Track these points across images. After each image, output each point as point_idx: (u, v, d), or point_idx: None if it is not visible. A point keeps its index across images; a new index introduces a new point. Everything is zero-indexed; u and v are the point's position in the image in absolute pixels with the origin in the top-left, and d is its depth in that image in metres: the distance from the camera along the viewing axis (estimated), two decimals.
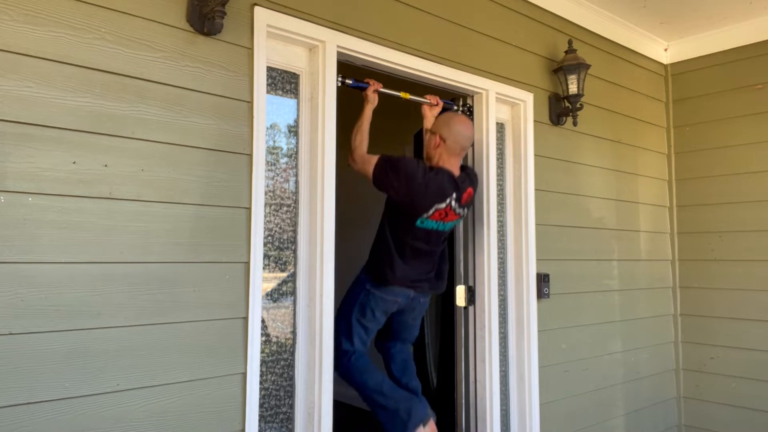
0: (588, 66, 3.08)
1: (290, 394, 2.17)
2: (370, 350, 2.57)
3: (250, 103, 2.02)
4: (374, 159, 2.40)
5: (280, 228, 2.18)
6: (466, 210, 2.55)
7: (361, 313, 2.46)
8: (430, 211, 2.39)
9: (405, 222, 2.42)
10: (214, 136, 1.93)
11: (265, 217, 2.11)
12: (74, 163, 1.66)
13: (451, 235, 2.86)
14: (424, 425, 2.39)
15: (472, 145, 2.87)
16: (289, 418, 2.17)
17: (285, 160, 2.22)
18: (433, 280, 2.57)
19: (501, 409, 2.86)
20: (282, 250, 2.18)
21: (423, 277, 2.51)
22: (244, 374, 1.95)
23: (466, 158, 2.87)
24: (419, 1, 2.58)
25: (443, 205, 2.41)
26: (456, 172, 2.50)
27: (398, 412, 2.39)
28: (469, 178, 2.56)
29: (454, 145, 2.47)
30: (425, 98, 2.72)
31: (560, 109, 3.20)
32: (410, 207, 2.39)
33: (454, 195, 2.44)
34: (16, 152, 1.57)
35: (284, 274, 2.19)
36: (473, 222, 2.87)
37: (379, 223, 2.52)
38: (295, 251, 2.20)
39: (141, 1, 1.80)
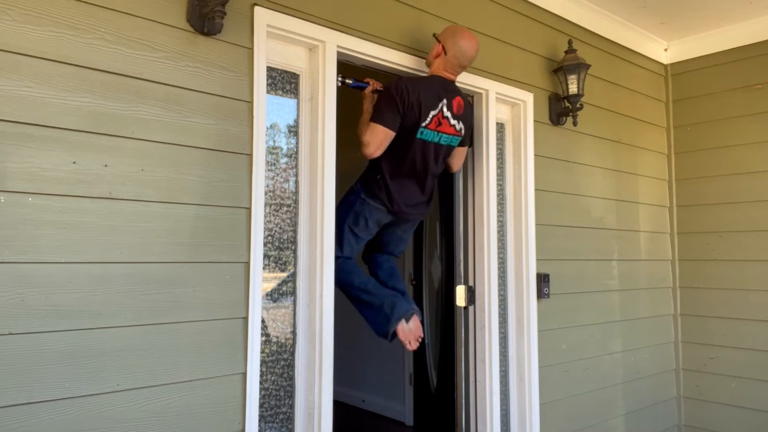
0: (588, 66, 3.08)
1: (290, 394, 2.17)
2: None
3: (250, 103, 2.02)
4: (372, 125, 2.34)
5: (280, 228, 2.18)
6: (461, 124, 2.49)
7: (354, 221, 2.45)
8: (428, 119, 2.36)
9: (406, 135, 2.37)
10: (214, 136, 1.93)
11: (265, 217, 2.11)
12: (74, 163, 1.66)
13: (450, 235, 2.86)
14: (406, 320, 2.41)
15: (472, 145, 2.88)
16: (289, 418, 2.17)
17: (285, 160, 2.22)
18: (422, 208, 2.57)
19: (501, 409, 2.86)
20: (282, 250, 2.18)
21: (413, 203, 2.50)
22: (244, 374, 1.95)
23: (465, 169, 2.89)
24: (419, 1, 2.59)
25: (436, 111, 2.37)
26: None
27: (382, 307, 2.42)
28: (457, 90, 2.50)
29: (453, 60, 2.43)
30: None
31: (560, 109, 3.20)
32: (409, 119, 2.34)
33: (445, 101, 2.40)
34: (16, 152, 1.57)
35: (284, 274, 2.19)
36: (473, 222, 2.87)
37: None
38: (295, 251, 2.20)
39: (141, 1, 1.80)
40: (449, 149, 2.53)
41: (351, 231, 2.46)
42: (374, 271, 2.69)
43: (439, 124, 2.41)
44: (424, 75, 2.52)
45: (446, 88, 2.43)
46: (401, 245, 2.72)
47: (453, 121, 2.45)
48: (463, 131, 2.53)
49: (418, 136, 2.38)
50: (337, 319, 2.23)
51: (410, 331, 2.43)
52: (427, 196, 2.56)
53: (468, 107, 2.56)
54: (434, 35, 2.50)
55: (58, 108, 1.64)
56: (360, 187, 2.49)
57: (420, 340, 2.47)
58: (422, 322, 2.61)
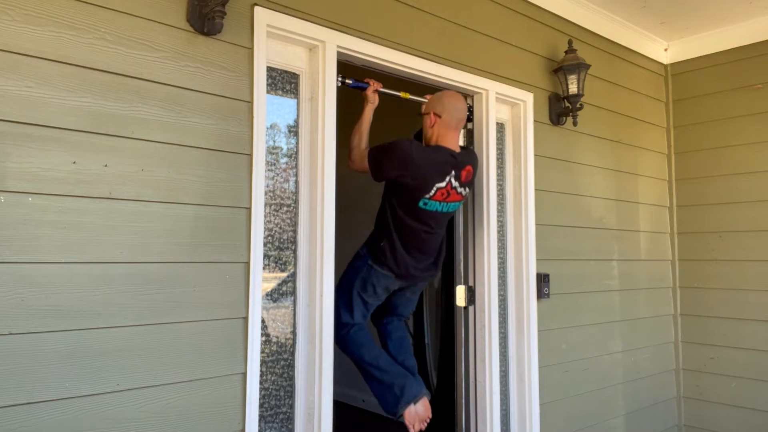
0: (588, 66, 3.08)
1: (290, 394, 2.17)
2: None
3: (250, 103, 2.02)
4: (367, 155, 2.41)
5: (280, 228, 2.18)
6: (467, 190, 2.53)
7: (362, 287, 2.45)
8: (432, 191, 2.36)
9: (407, 203, 2.39)
10: (214, 136, 1.93)
11: (265, 217, 2.11)
12: (74, 163, 1.66)
13: (450, 235, 2.86)
14: (414, 403, 2.40)
15: (473, 145, 2.88)
16: (289, 418, 2.17)
17: (285, 160, 2.22)
18: (432, 269, 2.58)
19: (501, 409, 2.86)
20: (282, 250, 2.18)
21: (422, 266, 2.50)
22: (244, 374, 1.95)
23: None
24: (419, 1, 2.59)
25: (443, 184, 2.38)
26: (455, 148, 2.48)
27: (392, 388, 2.41)
28: (468, 156, 2.54)
29: (450, 119, 2.46)
30: (425, 98, 2.72)
31: (560, 109, 3.20)
32: (411, 188, 2.36)
33: (453, 173, 2.41)
34: (16, 152, 1.57)
35: (284, 274, 2.19)
36: (473, 222, 2.87)
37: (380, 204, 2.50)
38: (295, 251, 2.20)
39: (141, 1, 1.80)
40: (455, 211, 2.57)
41: (360, 297, 2.45)
42: (384, 339, 2.68)
43: (447, 195, 2.43)
44: (433, 146, 2.50)
45: (456, 159, 2.44)
46: (410, 306, 2.72)
47: (460, 189, 2.48)
48: (467, 192, 2.55)
49: (421, 206, 2.39)
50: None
51: (417, 414, 2.41)
52: (433, 257, 2.55)
53: (475, 168, 2.59)
54: (419, 113, 2.54)
55: (58, 108, 1.64)
56: (366, 252, 2.48)
57: (427, 421, 2.45)
58: (422, 326, 2.62)
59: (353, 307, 2.44)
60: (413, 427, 2.41)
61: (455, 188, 2.43)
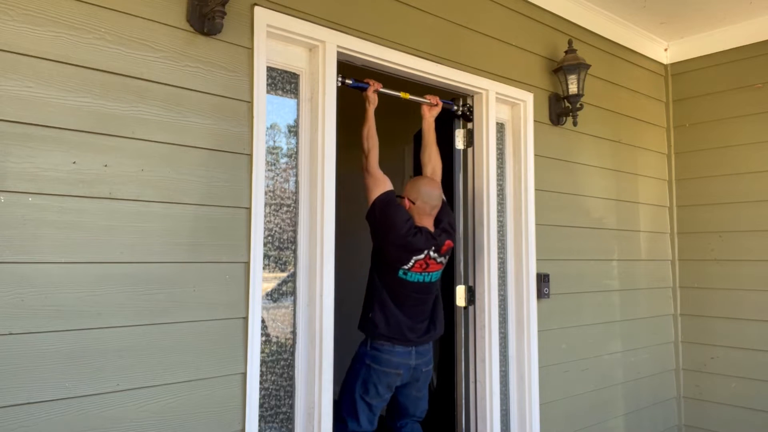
0: (588, 66, 3.08)
1: (290, 394, 2.17)
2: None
3: (250, 103, 2.02)
4: (379, 189, 2.43)
5: (280, 228, 2.18)
6: (446, 258, 2.57)
7: (364, 389, 2.43)
8: (410, 263, 2.42)
9: (388, 272, 2.44)
10: (214, 136, 1.93)
11: (265, 217, 2.11)
12: (74, 163, 1.66)
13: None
14: None
15: (473, 145, 2.88)
16: (289, 418, 2.17)
17: (285, 160, 2.22)
18: (431, 328, 2.55)
19: (501, 409, 2.86)
20: (282, 250, 2.18)
21: (418, 325, 2.49)
22: (244, 374, 1.95)
23: (465, 169, 2.90)
24: (419, 1, 2.58)
25: (422, 256, 2.44)
26: (431, 229, 2.53)
27: None
28: (446, 231, 2.57)
29: (424, 206, 2.52)
30: (425, 98, 2.72)
31: (560, 109, 3.20)
32: (389, 256, 2.42)
33: (433, 247, 2.47)
34: (16, 152, 1.57)
35: (284, 274, 2.19)
36: (473, 222, 2.87)
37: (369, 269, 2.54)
38: (295, 251, 2.20)
39: (141, 1, 1.80)
40: (437, 281, 2.57)
41: (363, 401, 2.44)
42: None
43: (426, 266, 2.47)
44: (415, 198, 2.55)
45: (435, 239, 2.49)
46: (421, 404, 2.63)
47: (440, 259, 2.52)
48: (446, 260, 2.58)
49: (401, 275, 2.43)
50: (337, 319, 2.23)
51: None
52: (428, 317, 2.54)
53: (455, 239, 2.67)
54: (398, 195, 2.57)
55: (58, 108, 1.64)
56: (363, 351, 2.48)
57: None
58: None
59: (358, 414, 2.42)
60: None
61: (434, 259, 2.49)
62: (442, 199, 2.61)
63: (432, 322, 2.55)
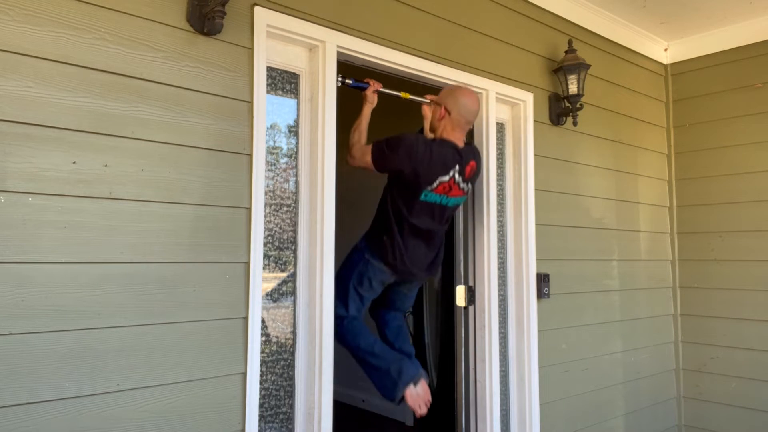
0: (588, 66, 3.08)
1: (290, 394, 2.17)
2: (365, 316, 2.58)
3: (250, 103, 2.02)
4: (369, 147, 2.40)
5: (280, 228, 2.18)
6: (470, 186, 2.53)
7: (358, 281, 2.45)
8: (434, 184, 2.36)
9: (408, 195, 2.38)
10: (214, 136, 1.93)
11: (265, 217, 2.11)
12: (74, 163, 1.66)
13: (450, 235, 2.86)
14: (414, 384, 2.38)
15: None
16: (289, 418, 2.17)
17: (285, 160, 2.22)
18: (431, 269, 2.57)
19: (501, 409, 2.86)
20: (282, 250, 2.18)
21: (420, 265, 2.50)
22: (244, 374, 1.95)
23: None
24: (419, 1, 2.59)
25: (446, 178, 2.38)
26: (460, 144, 2.48)
27: (389, 372, 2.40)
28: (472, 152, 2.54)
29: (459, 118, 2.45)
30: (425, 98, 2.72)
31: (560, 109, 3.20)
32: (413, 181, 2.35)
33: (457, 167, 2.41)
34: (16, 152, 1.57)
35: (284, 274, 2.19)
36: (473, 222, 2.87)
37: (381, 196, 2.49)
38: (295, 251, 2.20)
39: (141, 1, 1.80)
40: (456, 207, 2.56)
41: (356, 291, 2.45)
42: (381, 329, 2.68)
43: (449, 189, 2.41)
44: (432, 136, 2.51)
45: (460, 155, 2.44)
46: (408, 302, 2.71)
47: (463, 185, 2.47)
48: (469, 188, 2.54)
49: (422, 198, 2.38)
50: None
51: (418, 395, 2.39)
52: (433, 254, 2.55)
53: (479, 164, 2.58)
54: (431, 101, 2.53)
55: (58, 108, 1.64)
56: (365, 245, 2.48)
57: (429, 404, 2.42)
58: (422, 326, 2.61)
59: (348, 301, 2.44)
60: (418, 409, 2.38)
61: (458, 183, 2.43)
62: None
63: (433, 262, 2.56)
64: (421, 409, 2.39)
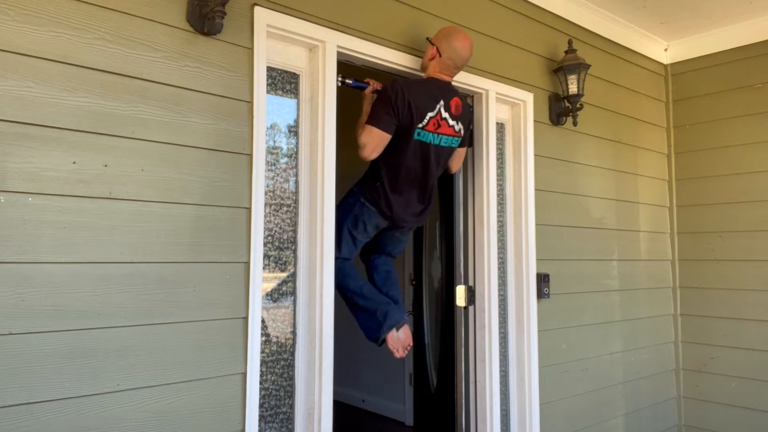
0: (588, 66, 3.08)
1: (290, 394, 2.17)
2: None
3: (250, 103, 2.02)
4: (367, 127, 2.33)
5: (280, 228, 2.18)
6: (460, 125, 2.50)
7: (353, 224, 2.47)
8: (424, 120, 2.36)
9: (403, 137, 2.36)
10: (214, 136, 1.93)
11: (265, 217, 2.11)
12: (74, 163, 1.66)
13: (450, 236, 2.86)
14: (397, 329, 2.46)
15: (473, 145, 2.87)
16: (289, 418, 2.17)
17: (285, 160, 2.22)
18: (422, 216, 2.59)
19: (501, 409, 2.86)
20: (282, 250, 2.18)
21: (412, 211, 2.51)
22: (244, 374, 1.95)
23: (466, 169, 2.89)
24: (419, 1, 2.59)
25: (434, 113, 2.37)
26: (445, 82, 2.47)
27: (375, 313, 2.47)
28: (453, 90, 2.50)
29: (449, 62, 2.44)
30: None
31: (560, 109, 3.20)
32: (405, 121, 2.33)
33: (442, 102, 2.40)
34: (16, 152, 1.57)
35: (284, 274, 2.19)
36: (473, 222, 2.87)
37: None
38: (295, 251, 2.20)
39: (141, 1, 1.80)
40: (450, 151, 2.53)
41: (349, 233, 2.47)
42: (371, 273, 2.70)
43: (438, 125, 2.41)
44: (421, 77, 2.52)
45: (443, 89, 2.43)
46: (399, 246, 2.73)
47: (452, 122, 2.46)
48: (462, 131, 2.53)
49: (415, 137, 2.37)
50: (337, 319, 2.23)
51: (399, 339, 2.47)
52: (426, 203, 2.56)
53: (466, 107, 2.57)
54: (427, 39, 2.50)
55: (58, 108, 1.64)
56: (359, 190, 2.49)
57: (408, 348, 2.51)
58: (422, 326, 2.62)
59: (341, 242, 2.45)
60: (397, 351, 2.47)
61: (446, 119, 2.42)
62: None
63: (425, 209, 2.58)
64: (399, 353, 2.48)
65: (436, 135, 2.42)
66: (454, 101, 2.46)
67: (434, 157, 2.45)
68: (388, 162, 2.40)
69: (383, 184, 2.42)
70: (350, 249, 2.50)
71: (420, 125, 2.36)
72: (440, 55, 2.43)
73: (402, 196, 2.45)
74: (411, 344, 2.52)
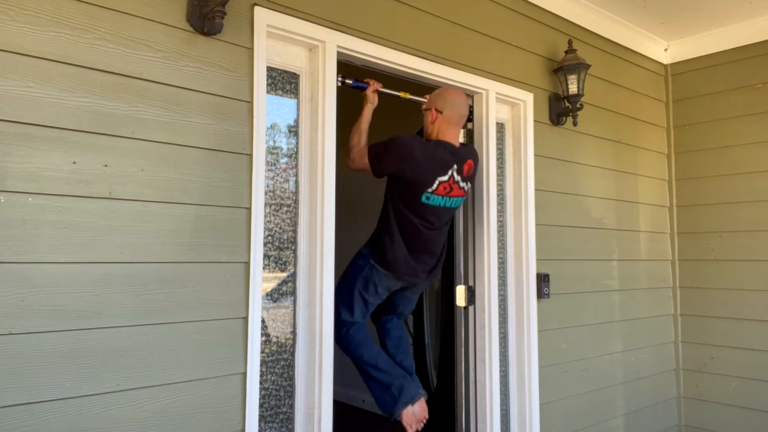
0: (588, 66, 3.08)
1: (290, 394, 2.17)
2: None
3: (250, 103, 2.02)
4: (366, 151, 2.41)
5: (280, 228, 2.18)
6: (469, 185, 2.54)
7: (364, 286, 2.45)
8: (434, 185, 2.37)
9: (410, 199, 2.39)
10: (214, 136, 1.93)
11: (265, 217, 2.11)
12: (74, 163, 1.66)
13: (450, 235, 2.86)
14: (412, 404, 2.44)
15: (473, 145, 2.87)
16: (289, 418, 2.17)
17: (285, 160, 2.22)
18: (434, 272, 2.59)
19: (501, 409, 2.86)
20: (282, 250, 2.18)
21: (423, 268, 2.51)
22: (244, 374, 1.95)
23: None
24: (419, 1, 2.59)
25: (446, 178, 2.39)
26: (456, 143, 2.50)
27: (390, 388, 2.44)
28: (469, 151, 2.55)
29: (452, 114, 2.47)
30: (425, 98, 2.72)
31: (560, 109, 3.20)
32: (413, 182, 2.36)
33: (455, 166, 2.42)
34: (16, 152, 1.57)
35: (284, 274, 2.19)
36: (473, 222, 2.87)
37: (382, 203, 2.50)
38: (295, 251, 2.20)
39: (141, 1, 1.80)
40: (457, 208, 2.57)
41: (361, 296, 2.46)
42: (383, 338, 2.69)
43: (450, 189, 2.43)
44: (430, 139, 2.52)
45: (457, 154, 2.45)
46: (410, 306, 2.74)
47: (462, 184, 2.49)
48: (469, 188, 2.56)
49: (423, 200, 2.39)
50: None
51: (414, 414, 2.45)
52: (436, 259, 2.56)
53: (476, 163, 2.59)
54: (421, 109, 2.54)
55: (58, 108, 1.64)
56: (368, 252, 2.49)
57: (424, 421, 2.48)
58: (422, 326, 2.62)
59: (354, 306, 2.44)
60: (410, 428, 2.44)
61: (457, 182, 2.44)
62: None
63: (436, 265, 2.58)
64: (412, 428, 2.45)
65: (447, 198, 2.45)
66: (468, 164, 2.49)
67: (441, 215, 2.48)
68: (397, 223, 2.42)
69: (393, 245, 2.41)
70: (362, 312, 2.49)
71: (429, 190, 2.38)
72: (441, 113, 2.47)
73: (411, 252, 2.45)
74: (426, 417, 2.48)
